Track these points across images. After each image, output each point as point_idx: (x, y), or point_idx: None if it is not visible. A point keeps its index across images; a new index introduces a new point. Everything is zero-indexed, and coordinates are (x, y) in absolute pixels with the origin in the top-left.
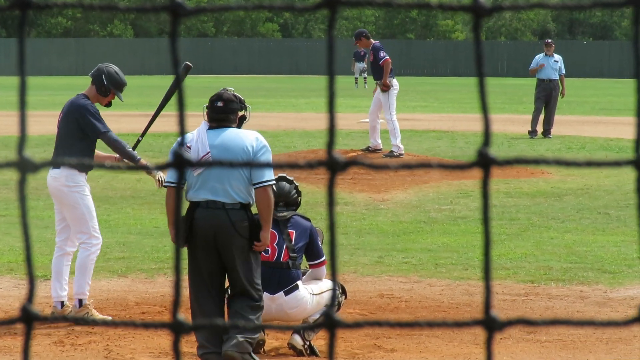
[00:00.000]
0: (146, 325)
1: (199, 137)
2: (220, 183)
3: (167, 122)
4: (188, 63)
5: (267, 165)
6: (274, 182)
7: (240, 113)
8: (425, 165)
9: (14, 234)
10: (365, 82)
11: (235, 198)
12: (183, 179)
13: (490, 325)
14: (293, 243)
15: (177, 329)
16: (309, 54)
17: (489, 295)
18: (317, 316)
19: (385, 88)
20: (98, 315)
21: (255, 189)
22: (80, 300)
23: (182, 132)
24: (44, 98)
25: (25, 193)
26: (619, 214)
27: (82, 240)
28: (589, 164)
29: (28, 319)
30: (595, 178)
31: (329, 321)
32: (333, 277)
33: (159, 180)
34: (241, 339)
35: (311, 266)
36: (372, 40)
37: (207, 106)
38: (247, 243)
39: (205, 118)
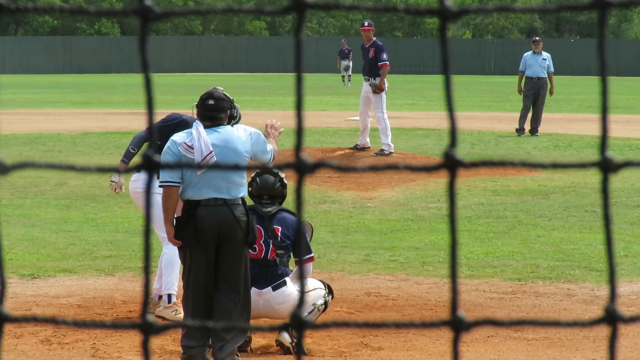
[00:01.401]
0: (116, 326)
1: (200, 137)
2: (224, 180)
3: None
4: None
5: (266, 149)
6: (273, 156)
7: (229, 112)
8: (392, 167)
9: (1, 233)
10: (350, 80)
11: (237, 194)
12: (182, 179)
13: (457, 325)
14: (279, 240)
15: (146, 330)
16: None
17: (455, 296)
18: (306, 314)
19: (378, 91)
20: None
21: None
22: (169, 296)
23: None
24: (31, 96)
25: None
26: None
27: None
28: (555, 165)
29: None
30: (582, 176)
31: (296, 322)
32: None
33: (112, 184)
34: (230, 345)
35: (297, 262)
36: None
37: (197, 105)
38: (245, 237)
39: (195, 116)
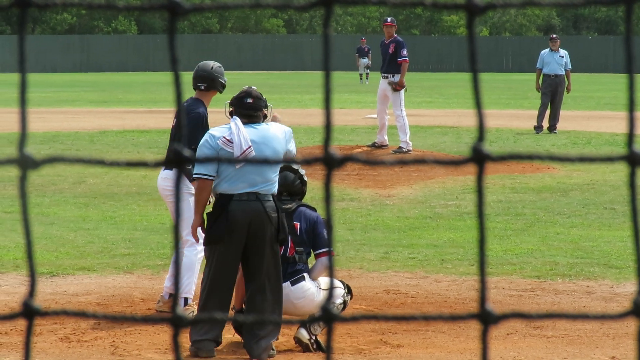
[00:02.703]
0: (146, 320)
1: (239, 132)
2: (260, 175)
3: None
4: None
5: (294, 147)
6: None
7: (265, 111)
8: (419, 161)
9: (19, 231)
10: (367, 78)
11: (270, 190)
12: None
13: (486, 318)
14: (298, 235)
15: (176, 323)
16: (314, 50)
17: (484, 289)
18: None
19: (399, 87)
20: None
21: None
22: (185, 299)
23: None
24: (49, 95)
25: (26, 190)
26: (625, 209)
27: (190, 240)
28: (582, 159)
29: (29, 313)
30: (601, 173)
31: (326, 315)
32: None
33: None
34: (265, 341)
35: (316, 255)
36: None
37: (231, 103)
38: (275, 234)
39: (227, 115)
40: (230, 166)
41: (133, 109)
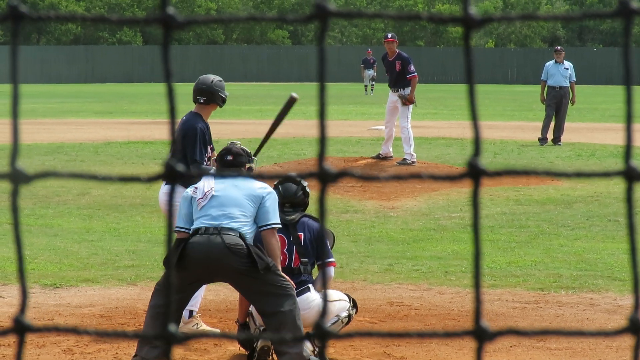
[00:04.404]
0: (137, 336)
1: (205, 178)
2: (220, 211)
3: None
4: (294, 95)
5: (273, 209)
6: (280, 225)
7: (247, 165)
8: (415, 176)
9: (24, 243)
10: (372, 90)
11: (236, 227)
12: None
13: (481, 335)
14: (302, 245)
15: (169, 340)
16: None
17: (478, 306)
18: (329, 324)
19: (408, 103)
20: (206, 327)
21: (261, 231)
22: (190, 312)
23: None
24: (53, 106)
25: (18, 204)
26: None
27: None
28: (579, 174)
29: (20, 330)
30: (605, 185)
31: (320, 331)
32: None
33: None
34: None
35: (319, 266)
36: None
37: (215, 160)
38: (249, 264)
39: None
40: (195, 208)
41: (138, 120)
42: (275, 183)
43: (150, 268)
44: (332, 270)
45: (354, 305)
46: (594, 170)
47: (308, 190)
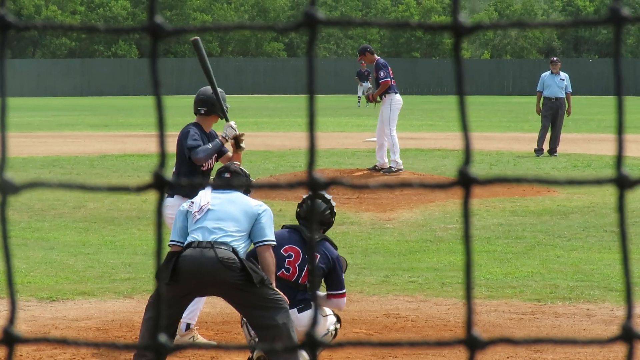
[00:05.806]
0: (127, 347)
1: (202, 193)
2: (215, 224)
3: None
4: (192, 39)
5: (269, 226)
6: (275, 242)
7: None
8: (406, 185)
9: (18, 256)
10: (359, 102)
11: (225, 239)
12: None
13: (472, 344)
14: (315, 266)
15: (158, 350)
16: (314, 73)
17: (470, 315)
18: (321, 336)
19: (371, 98)
20: (203, 340)
21: (257, 247)
22: (187, 325)
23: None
24: (49, 119)
25: (6, 216)
26: (626, 232)
27: None
28: (570, 182)
29: (10, 341)
30: (601, 196)
31: (310, 341)
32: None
33: (225, 137)
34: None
35: (331, 296)
36: (376, 56)
37: (214, 178)
38: (244, 278)
39: None
40: (191, 223)
41: (134, 133)
42: (304, 197)
43: (147, 281)
44: (343, 302)
45: (338, 319)
46: (585, 178)
47: (335, 210)
